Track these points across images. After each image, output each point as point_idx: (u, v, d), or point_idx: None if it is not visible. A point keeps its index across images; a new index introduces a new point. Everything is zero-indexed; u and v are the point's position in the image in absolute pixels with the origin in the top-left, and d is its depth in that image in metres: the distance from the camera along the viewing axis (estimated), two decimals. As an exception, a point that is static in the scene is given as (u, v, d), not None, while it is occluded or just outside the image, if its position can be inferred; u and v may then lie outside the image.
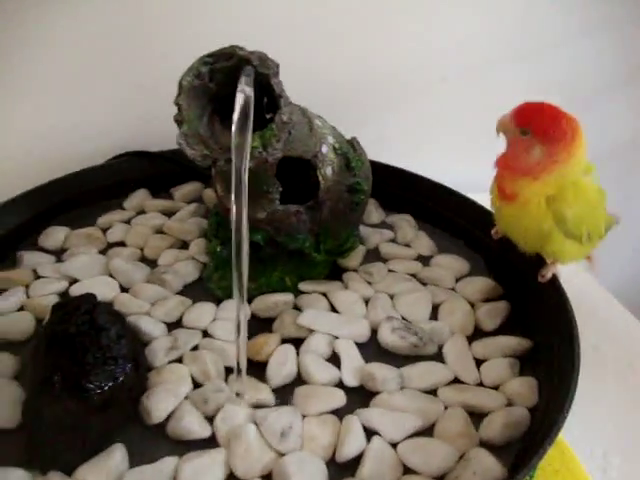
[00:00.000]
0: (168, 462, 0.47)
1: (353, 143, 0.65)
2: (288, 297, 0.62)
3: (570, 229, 0.55)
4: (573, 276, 0.73)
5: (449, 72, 0.84)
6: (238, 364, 0.50)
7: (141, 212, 0.74)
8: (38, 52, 0.71)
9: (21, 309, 0.59)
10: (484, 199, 0.63)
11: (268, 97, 0.55)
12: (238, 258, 0.47)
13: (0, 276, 0.62)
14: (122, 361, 0.50)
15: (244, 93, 0.48)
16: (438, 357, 0.58)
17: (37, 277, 0.63)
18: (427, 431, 0.51)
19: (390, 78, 0.83)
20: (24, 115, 0.75)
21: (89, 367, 0.48)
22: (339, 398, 0.53)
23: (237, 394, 0.51)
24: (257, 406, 0.52)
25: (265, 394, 0.53)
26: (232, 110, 0.50)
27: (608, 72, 0.93)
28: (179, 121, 0.53)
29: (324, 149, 0.60)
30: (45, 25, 0.69)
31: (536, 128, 0.53)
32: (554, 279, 0.60)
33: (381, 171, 0.73)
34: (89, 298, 0.54)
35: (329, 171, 0.60)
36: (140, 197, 0.75)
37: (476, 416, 0.52)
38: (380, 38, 0.80)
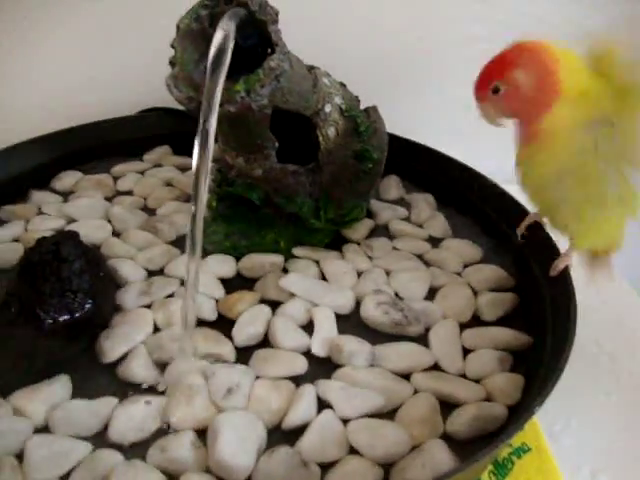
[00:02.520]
0: (107, 401, 0.46)
1: (369, 110, 0.62)
2: (278, 259, 0.59)
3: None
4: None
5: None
6: (186, 319, 0.48)
7: (158, 165, 0.74)
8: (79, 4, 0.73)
9: (16, 241, 0.60)
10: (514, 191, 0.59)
11: (272, 49, 0.53)
12: (196, 209, 0.45)
13: (6, 209, 0.64)
14: (81, 295, 0.49)
15: (223, 30, 0.46)
16: (422, 340, 0.53)
17: (40, 214, 0.64)
18: (389, 414, 0.47)
19: (431, 54, 0.79)
20: (65, 64, 0.76)
21: (45, 296, 0.48)
22: (300, 365, 0.49)
23: (184, 348, 0.49)
24: (216, 361, 0.50)
25: (225, 350, 0.50)
26: (234, 60, 0.48)
27: None
28: (173, 63, 0.52)
29: (327, 108, 0.57)
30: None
31: (500, 75, 0.48)
32: (566, 274, 0.54)
33: (407, 147, 0.70)
34: (71, 234, 0.54)
35: (332, 132, 0.57)
36: (161, 152, 0.75)
37: (448, 407, 0.48)
38: (418, 10, 0.76)
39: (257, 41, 0.53)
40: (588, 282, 0.56)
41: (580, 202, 0.50)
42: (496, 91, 0.48)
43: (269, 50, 0.53)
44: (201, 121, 0.45)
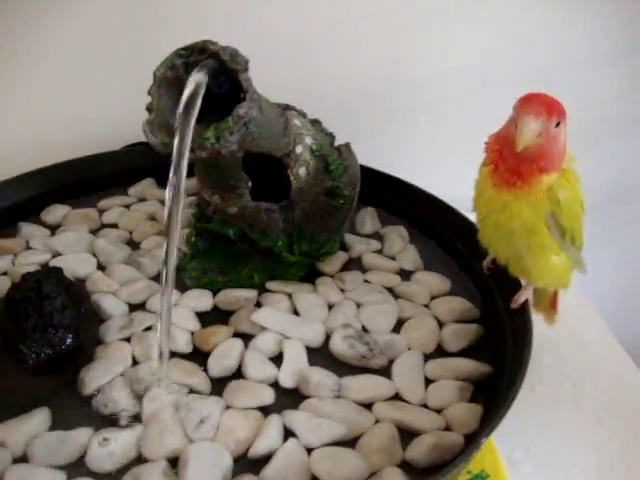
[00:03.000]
0: (83, 432, 0.49)
1: (340, 148, 0.65)
2: (252, 294, 0.62)
3: (562, 217, 0.51)
4: (575, 308, 0.69)
5: (469, 87, 0.82)
6: (161, 351, 0.51)
7: (142, 199, 0.77)
8: (64, 39, 0.76)
9: (4, 274, 0.63)
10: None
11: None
12: (168, 246, 0.48)
13: (-4, 243, 0.67)
14: (63, 331, 0.53)
15: (194, 82, 0.49)
16: (386, 371, 0.56)
17: (28, 248, 0.67)
18: (351, 442, 0.50)
19: (409, 89, 0.82)
20: (52, 101, 0.80)
21: (28, 332, 0.51)
22: (268, 396, 0.52)
23: (158, 380, 0.52)
24: (189, 392, 0.52)
25: (200, 382, 0.53)
26: (207, 106, 0.52)
27: (623, 102, 0.87)
28: (149, 109, 0.55)
29: (298, 149, 0.60)
30: (64, 15, 0.74)
31: (562, 112, 0.49)
32: (525, 307, 0.57)
33: (380, 180, 0.73)
34: (54, 270, 0.57)
35: (302, 171, 0.60)
36: (145, 185, 0.78)
37: (409, 436, 0.50)
38: (398, 47, 0.79)
39: (230, 87, 0.56)
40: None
41: (540, 251, 0.53)
42: (557, 125, 0.49)
43: (242, 95, 0.56)
44: (172, 166, 0.48)
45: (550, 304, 0.60)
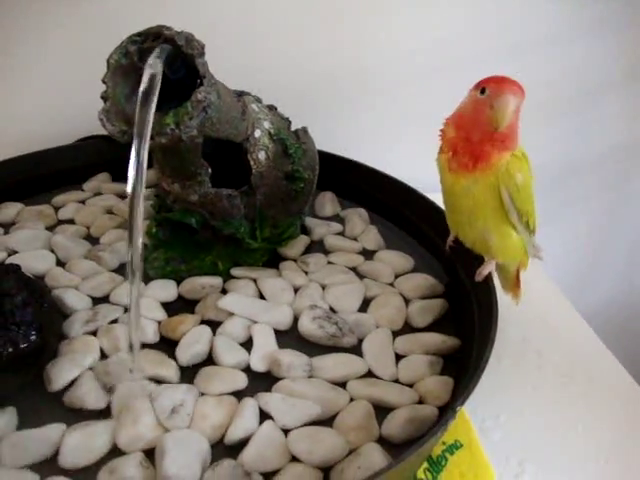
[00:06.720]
0: (55, 428, 0.47)
1: (298, 132, 0.65)
2: (216, 281, 0.62)
3: (517, 200, 0.52)
4: (535, 281, 0.70)
5: (422, 70, 0.83)
6: (131, 341, 0.50)
7: (98, 194, 0.75)
8: (12, 35, 0.74)
9: (-42, 276, 0.61)
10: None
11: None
12: (132, 236, 0.47)
13: (-53, 244, 0.64)
14: (25, 328, 0.51)
15: (151, 68, 0.49)
16: (357, 349, 0.56)
17: (-18, 248, 0.65)
18: (327, 422, 0.50)
19: (363, 73, 0.83)
20: (5, 97, 0.78)
21: (-11, 330, 0.50)
22: (241, 381, 0.52)
23: (130, 370, 0.51)
24: (159, 381, 0.52)
25: (170, 371, 0.52)
26: (163, 93, 0.51)
27: (600, 73, 0.89)
28: (105, 98, 0.54)
29: (257, 134, 0.59)
30: (19, 9, 0.72)
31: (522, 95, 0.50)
32: (489, 279, 0.58)
33: (338, 164, 0.73)
34: (12, 268, 0.55)
35: (262, 156, 0.60)
36: (100, 180, 0.77)
37: (384, 412, 0.51)
38: (350, 31, 0.80)
39: (186, 73, 0.55)
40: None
41: (501, 230, 0.55)
42: (483, 92, 0.51)
43: (199, 80, 0.56)
44: (133, 154, 0.47)
45: (515, 283, 0.61)
